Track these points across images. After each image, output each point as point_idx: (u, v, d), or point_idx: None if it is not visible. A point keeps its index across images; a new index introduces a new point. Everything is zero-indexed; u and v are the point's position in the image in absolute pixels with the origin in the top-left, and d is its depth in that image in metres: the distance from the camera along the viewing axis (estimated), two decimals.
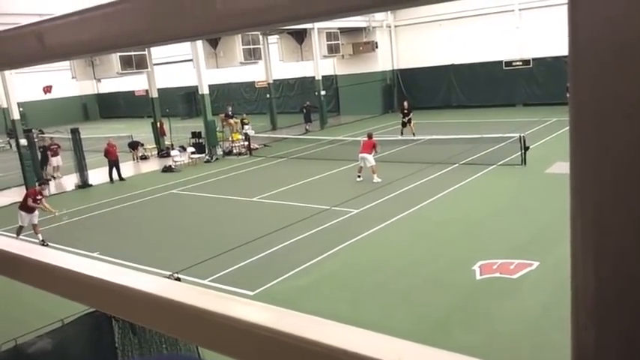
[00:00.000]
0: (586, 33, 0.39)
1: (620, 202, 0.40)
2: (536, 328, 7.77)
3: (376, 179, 16.98)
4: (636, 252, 0.40)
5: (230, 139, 26.58)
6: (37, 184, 16.15)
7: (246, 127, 27.73)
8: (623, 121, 0.38)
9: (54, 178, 23.49)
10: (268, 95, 33.67)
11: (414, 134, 24.01)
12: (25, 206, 14.46)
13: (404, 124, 24.89)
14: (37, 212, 14.55)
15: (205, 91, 25.58)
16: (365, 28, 35.10)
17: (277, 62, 33.45)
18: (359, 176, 17.48)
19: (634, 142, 0.38)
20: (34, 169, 21.85)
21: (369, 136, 18.00)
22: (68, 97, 49.85)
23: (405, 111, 25.07)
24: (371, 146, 17.44)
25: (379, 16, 35.05)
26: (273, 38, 33.84)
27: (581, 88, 0.40)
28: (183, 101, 44.49)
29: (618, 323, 0.41)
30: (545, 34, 29.92)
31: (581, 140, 0.41)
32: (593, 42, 0.39)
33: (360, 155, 17.51)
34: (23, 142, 21.10)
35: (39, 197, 14.71)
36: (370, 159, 17.22)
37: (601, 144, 0.40)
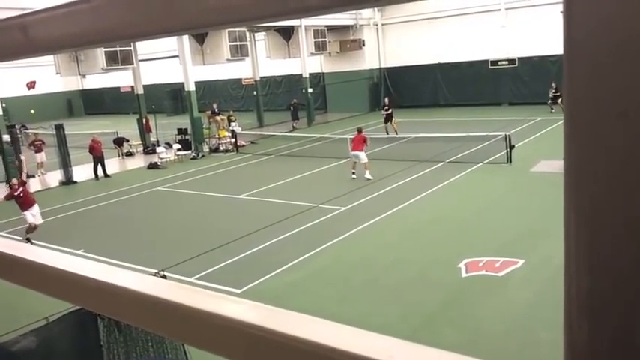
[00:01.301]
0: (581, 31, 0.39)
1: (614, 200, 0.40)
2: (521, 325, 7.84)
3: (368, 175, 16.98)
4: (630, 250, 0.40)
5: (216, 136, 26.47)
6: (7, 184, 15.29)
7: (232, 124, 27.64)
8: (617, 119, 0.39)
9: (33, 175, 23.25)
10: (255, 92, 33.59)
11: (396, 132, 24.14)
12: (24, 205, 13.93)
13: (385, 121, 25.00)
14: (37, 207, 14.16)
15: (192, 87, 25.44)
16: (352, 25, 35.12)
17: (264, 59, 33.37)
18: (353, 173, 17.36)
19: (628, 140, 0.38)
20: (18, 164, 21.58)
21: (359, 131, 17.92)
22: (52, 93, 49.28)
23: (386, 107, 25.25)
24: (362, 142, 17.36)
25: (366, 13, 35.10)
26: (260, 35, 33.75)
27: (576, 86, 0.40)
28: (170, 98, 44.22)
29: (612, 322, 0.41)
30: (531, 34, 30.17)
31: (575, 138, 0.41)
32: (589, 39, 0.39)
33: (352, 153, 17.50)
34: (6, 138, 20.83)
35: (20, 190, 14.17)
36: (362, 156, 17.17)
37: (595, 142, 0.40)
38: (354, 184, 16.58)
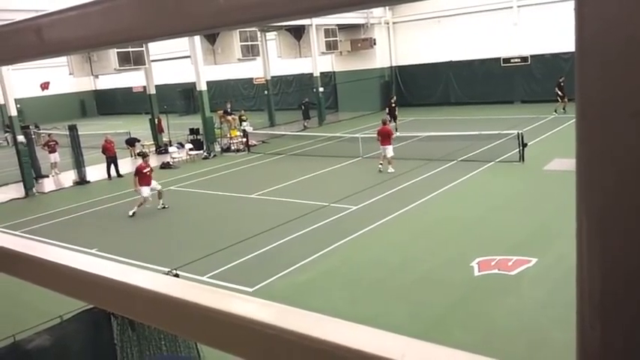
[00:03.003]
0: (593, 30, 0.39)
1: (627, 200, 0.39)
2: (534, 325, 7.79)
3: (391, 169, 17.59)
4: None
5: (228, 135, 26.56)
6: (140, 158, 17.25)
7: (244, 123, 27.71)
8: (629, 119, 0.38)
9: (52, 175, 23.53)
10: (266, 92, 33.64)
11: (396, 130, 24.32)
12: (144, 180, 15.65)
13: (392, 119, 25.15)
14: (154, 181, 15.96)
15: (203, 87, 25.54)
16: (363, 24, 35.05)
17: (275, 59, 33.40)
18: (381, 164, 17.95)
19: None
20: (32, 164, 21.81)
21: (384, 122, 18.59)
22: (65, 94, 49.75)
23: (393, 105, 25.40)
24: (388, 134, 17.91)
25: (377, 12, 35.00)
26: (271, 35, 33.80)
27: (588, 85, 0.40)
28: (181, 98, 44.42)
29: (625, 321, 0.41)
30: (543, 31, 29.92)
31: (587, 137, 0.41)
32: (600, 39, 0.39)
33: (382, 147, 17.96)
34: (21, 138, 21.04)
35: (148, 169, 15.84)
36: (390, 150, 17.74)
37: (607, 141, 0.40)
38: (365, 183, 16.55)
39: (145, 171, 15.77)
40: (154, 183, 15.98)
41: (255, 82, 40.46)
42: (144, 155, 16.96)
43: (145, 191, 15.69)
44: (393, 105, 25.63)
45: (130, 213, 15.57)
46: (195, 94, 28.30)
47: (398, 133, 23.56)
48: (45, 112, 44.69)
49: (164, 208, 15.96)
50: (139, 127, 31.83)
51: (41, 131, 31.44)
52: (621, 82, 0.38)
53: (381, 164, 17.97)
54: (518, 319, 8.02)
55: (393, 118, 25.17)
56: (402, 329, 7.49)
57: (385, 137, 17.85)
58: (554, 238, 10.69)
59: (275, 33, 32.80)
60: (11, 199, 19.50)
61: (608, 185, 0.40)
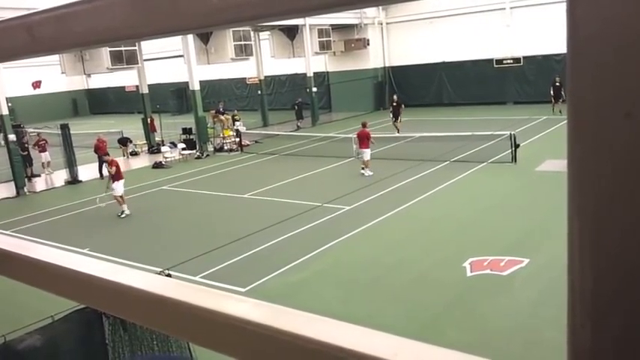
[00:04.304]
0: (585, 31, 0.39)
1: (619, 200, 0.40)
2: (527, 325, 7.82)
3: (363, 172, 17.45)
4: (635, 250, 0.39)
5: (221, 135, 26.51)
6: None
7: (237, 123, 27.67)
8: (622, 119, 0.38)
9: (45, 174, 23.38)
10: (260, 92, 33.61)
11: (398, 131, 24.24)
12: (117, 177, 15.75)
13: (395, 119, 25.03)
14: (122, 181, 15.83)
15: (196, 87, 25.47)
16: (356, 25, 35.08)
17: (269, 58, 33.38)
18: (364, 168, 17.77)
19: (633, 141, 0.38)
20: (29, 164, 21.68)
21: (364, 125, 18.29)
22: (58, 93, 49.46)
23: (395, 104, 25.33)
24: (367, 138, 17.68)
25: (371, 12, 35.05)
26: (264, 34, 33.76)
27: (580, 86, 0.40)
28: (174, 97, 44.28)
29: (616, 321, 0.41)
30: (535, 33, 30.06)
31: (579, 138, 0.41)
32: (593, 40, 0.39)
33: (360, 150, 17.84)
34: (12, 137, 20.90)
35: (110, 165, 15.94)
36: (367, 153, 17.55)
37: (600, 142, 0.40)
38: (358, 184, 16.57)
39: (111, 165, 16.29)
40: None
41: (248, 82, 40.41)
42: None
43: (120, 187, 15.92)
44: (395, 104, 25.52)
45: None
46: (188, 93, 28.21)
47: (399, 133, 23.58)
48: (37, 111, 44.37)
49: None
50: (132, 126, 31.70)
51: (29, 130, 31.16)
52: (615, 83, 0.38)
53: (367, 168, 17.81)
54: (512, 319, 8.05)
55: (396, 117, 25.07)
56: (396, 329, 7.50)
57: (364, 140, 17.65)
58: (546, 239, 10.74)
59: (268, 33, 32.77)
60: (2, 199, 19.38)
61: (601, 185, 0.40)
